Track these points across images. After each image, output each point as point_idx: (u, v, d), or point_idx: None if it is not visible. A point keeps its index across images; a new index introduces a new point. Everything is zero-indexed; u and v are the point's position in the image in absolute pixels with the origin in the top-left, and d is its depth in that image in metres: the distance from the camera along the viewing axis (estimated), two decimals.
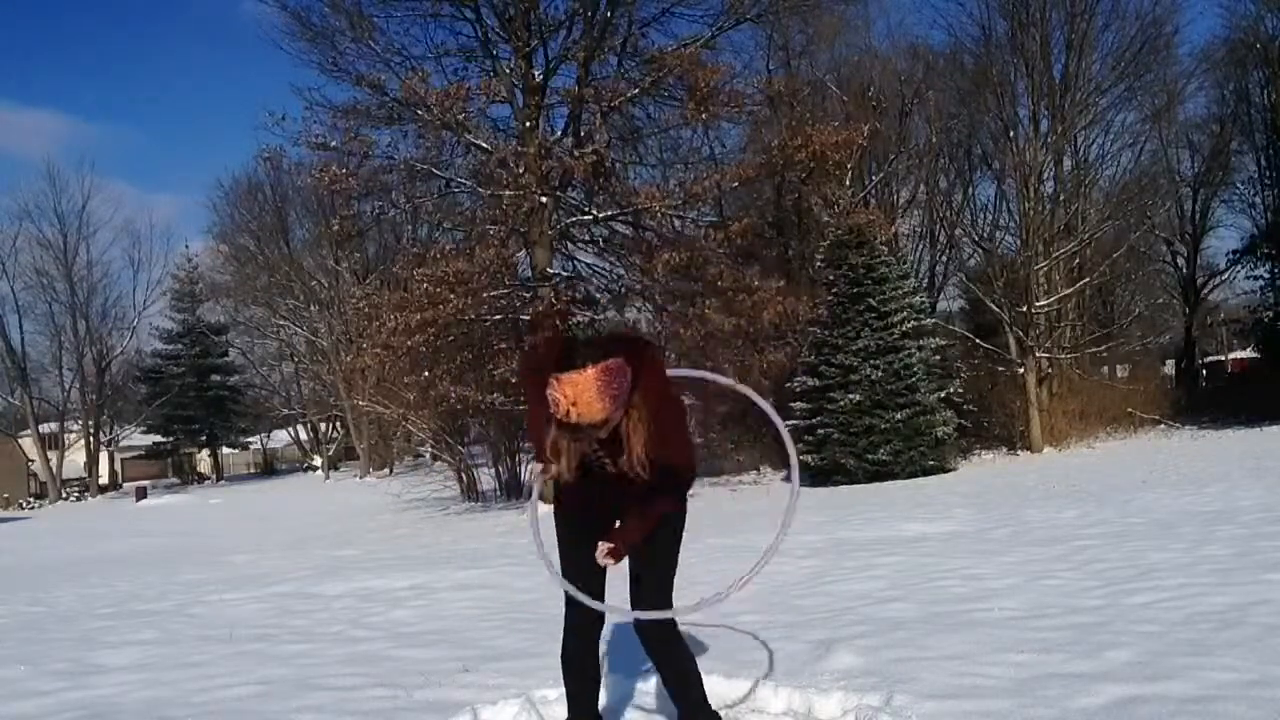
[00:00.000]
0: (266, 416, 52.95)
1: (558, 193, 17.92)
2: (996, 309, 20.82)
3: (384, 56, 17.70)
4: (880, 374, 17.18)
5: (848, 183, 21.39)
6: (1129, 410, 21.77)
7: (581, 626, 3.23)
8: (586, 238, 19.17)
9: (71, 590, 9.53)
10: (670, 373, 3.15)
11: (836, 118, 20.89)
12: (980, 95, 21.89)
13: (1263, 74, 25.62)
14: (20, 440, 49.34)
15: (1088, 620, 4.48)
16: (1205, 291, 31.44)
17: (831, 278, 18.34)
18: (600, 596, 3.17)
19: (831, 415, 17.28)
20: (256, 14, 78.57)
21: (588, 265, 19.49)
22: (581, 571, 3.18)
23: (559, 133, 18.45)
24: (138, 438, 53.87)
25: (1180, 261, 30.79)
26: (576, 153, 17.23)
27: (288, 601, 7.38)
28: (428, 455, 27.14)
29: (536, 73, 17.70)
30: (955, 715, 3.23)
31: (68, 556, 16.10)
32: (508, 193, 16.83)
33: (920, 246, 27.40)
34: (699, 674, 3.16)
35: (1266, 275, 25.74)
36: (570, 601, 3.20)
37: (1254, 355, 30.35)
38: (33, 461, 48.56)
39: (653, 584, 3.12)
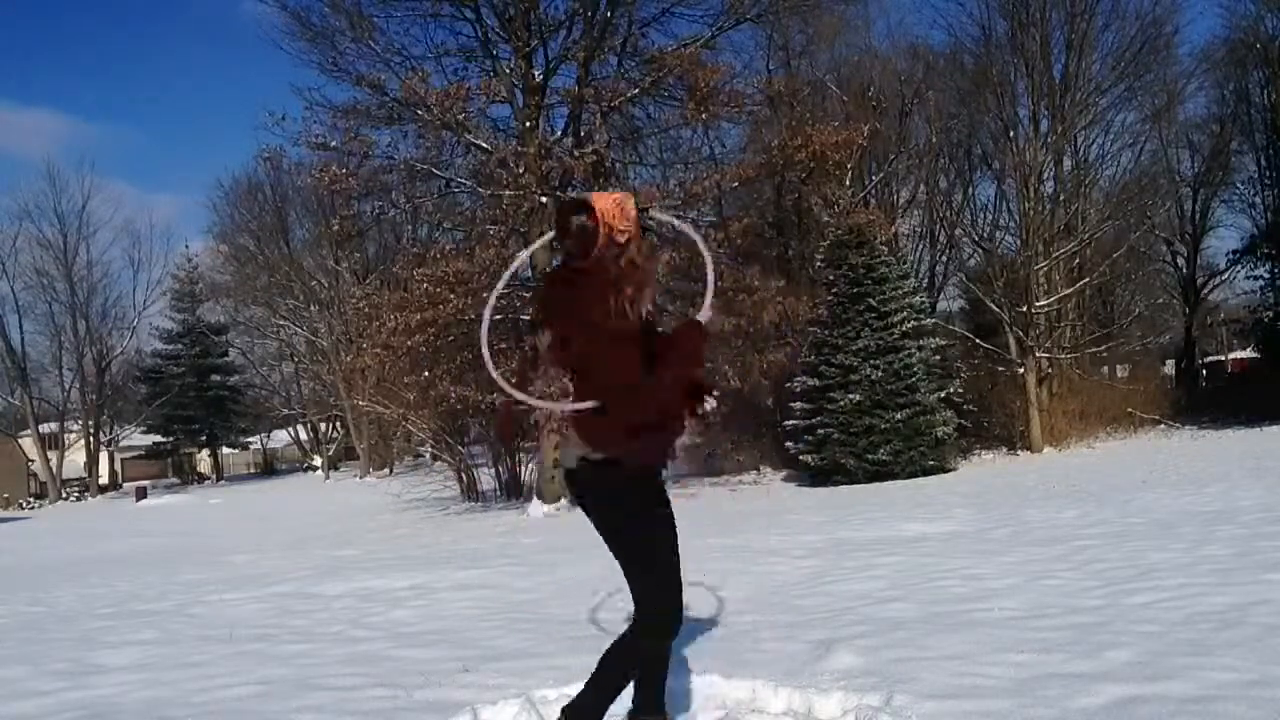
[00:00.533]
0: (266, 416, 52.96)
1: (558, 193, 17.90)
2: (996, 309, 20.82)
3: (384, 56, 17.73)
4: (880, 374, 17.17)
5: (848, 183, 21.39)
6: (1129, 410, 21.77)
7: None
8: None
9: (71, 590, 9.53)
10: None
11: (836, 118, 20.89)
12: (980, 95, 21.89)
13: (1263, 74, 25.62)
14: (20, 440, 49.36)
15: (1088, 620, 4.48)
16: (1205, 291, 31.44)
17: (831, 278, 18.34)
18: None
19: (831, 415, 17.28)
20: (256, 14, 78.68)
21: None
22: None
23: (559, 133, 18.46)
24: (138, 438, 53.87)
25: (1180, 261, 30.79)
26: (576, 153, 17.24)
27: (288, 601, 7.38)
28: (428, 455, 27.14)
29: (536, 73, 17.71)
30: (955, 715, 3.23)
31: (68, 556, 16.10)
32: (508, 193, 16.84)
33: (920, 246, 27.45)
34: (609, 688, 2.97)
35: (1266, 275, 25.74)
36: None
37: (1254, 355, 30.33)
38: (33, 461, 48.57)
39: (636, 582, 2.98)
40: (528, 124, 17.42)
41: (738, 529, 10.43)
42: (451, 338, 17.46)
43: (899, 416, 16.89)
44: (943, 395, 17.56)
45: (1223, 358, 41.72)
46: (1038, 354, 20.64)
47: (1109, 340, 24.69)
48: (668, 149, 20.81)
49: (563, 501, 17.05)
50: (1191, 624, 4.22)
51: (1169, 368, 33.32)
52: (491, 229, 17.69)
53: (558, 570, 8.03)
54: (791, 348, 18.02)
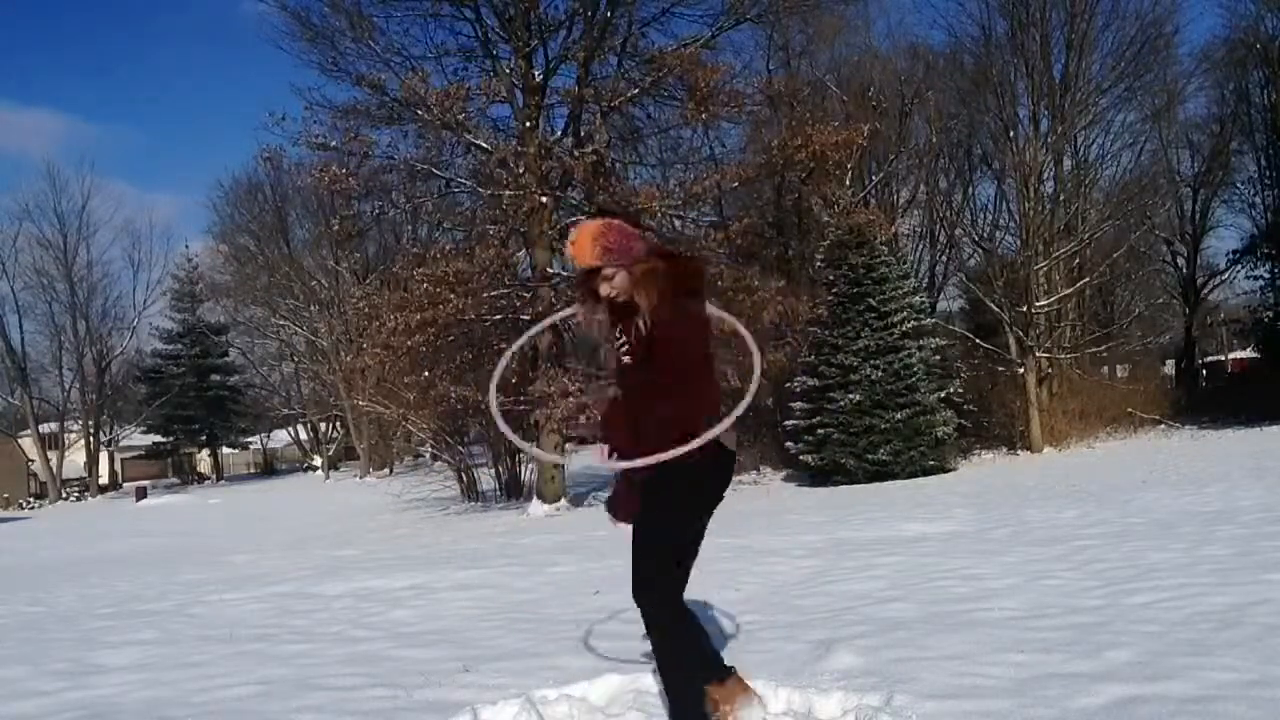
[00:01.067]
0: (266, 416, 52.99)
1: (558, 193, 17.92)
2: (996, 309, 20.82)
3: (384, 56, 17.73)
4: (880, 374, 17.17)
5: (848, 183, 21.39)
6: (1129, 410, 21.77)
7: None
8: None
9: (71, 590, 9.53)
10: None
11: (836, 118, 20.89)
12: (980, 95, 21.89)
13: (1263, 74, 25.63)
14: (20, 440, 49.39)
15: (1088, 620, 4.48)
16: (1205, 291, 31.44)
17: (831, 278, 18.34)
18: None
19: (831, 415, 17.28)
20: (256, 14, 78.53)
21: None
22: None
23: (559, 133, 18.47)
24: (138, 438, 53.89)
25: (1180, 261, 30.79)
26: (576, 153, 17.23)
27: (288, 601, 7.38)
28: (428, 455, 27.14)
29: (536, 73, 17.71)
30: (955, 715, 3.23)
31: (68, 556, 16.10)
32: (508, 193, 16.84)
33: (920, 246, 27.47)
34: (684, 668, 3.03)
35: (1266, 275, 25.76)
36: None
37: (1254, 355, 30.34)
38: (33, 461, 48.59)
39: (634, 555, 3.04)
40: (528, 124, 17.42)
41: (738, 529, 10.42)
42: (451, 338, 17.46)
43: (899, 416, 16.89)
44: (943, 395, 17.56)
45: (1223, 358, 41.73)
46: (1038, 354, 20.64)
47: (1109, 340, 24.70)
48: (668, 149, 20.85)
49: (563, 502, 17.06)
50: (1191, 624, 4.22)
51: (1169, 368, 33.32)
52: (491, 229, 17.69)
53: (558, 570, 8.03)
54: (791, 348, 18.01)
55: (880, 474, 16.77)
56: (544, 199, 17.01)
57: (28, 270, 46.97)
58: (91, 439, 48.46)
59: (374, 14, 17.64)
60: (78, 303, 47.51)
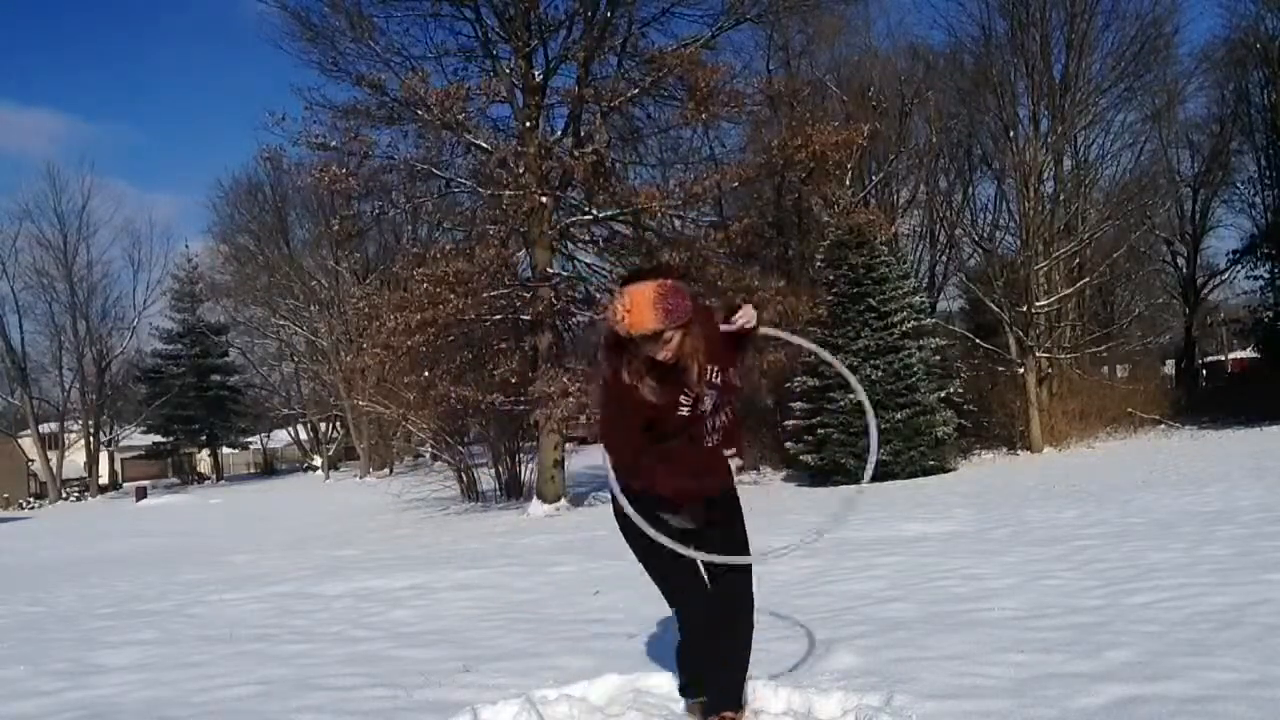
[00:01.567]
0: (266, 416, 52.96)
1: (558, 193, 17.91)
2: (996, 309, 20.82)
3: (384, 56, 17.72)
4: (880, 374, 17.18)
5: (848, 183, 21.39)
6: (1129, 410, 21.77)
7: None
8: (586, 238, 19.16)
9: (71, 590, 9.54)
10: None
11: (836, 118, 20.89)
12: (980, 95, 21.89)
13: (1263, 74, 25.61)
14: (20, 440, 49.37)
15: (1088, 620, 4.48)
16: (1205, 291, 31.41)
17: (831, 278, 18.34)
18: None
19: (831, 415, 17.28)
20: (256, 14, 78.38)
21: (588, 265, 19.50)
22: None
23: (559, 133, 18.46)
24: (138, 438, 53.87)
25: (1180, 261, 30.77)
26: (576, 153, 17.23)
27: (288, 601, 7.38)
28: (428, 455, 27.14)
29: (536, 73, 17.70)
30: (955, 715, 3.23)
31: (68, 556, 16.11)
32: (508, 193, 16.83)
33: (920, 246, 27.45)
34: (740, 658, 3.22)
35: (1266, 275, 25.74)
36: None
37: (1254, 355, 30.33)
38: (33, 461, 48.58)
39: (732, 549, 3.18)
40: (528, 124, 17.41)
41: None
42: (451, 338, 17.46)
43: (899, 416, 16.90)
44: (943, 395, 17.56)
45: (1223, 358, 41.72)
46: (1038, 354, 20.64)
47: (1109, 340, 24.69)
48: (668, 149, 20.85)
49: (562, 502, 17.07)
50: (1191, 624, 4.22)
51: (1169, 368, 33.31)
52: (491, 229, 17.68)
53: (558, 570, 8.04)
54: (791, 347, 18.01)
55: (880, 474, 16.76)
56: (544, 199, 17.00)
57: (28, 270, 47.01)
58: (91, 439, 48.45)
59: (374, 14, 17.66)
60: (78, 303, 47.52)
